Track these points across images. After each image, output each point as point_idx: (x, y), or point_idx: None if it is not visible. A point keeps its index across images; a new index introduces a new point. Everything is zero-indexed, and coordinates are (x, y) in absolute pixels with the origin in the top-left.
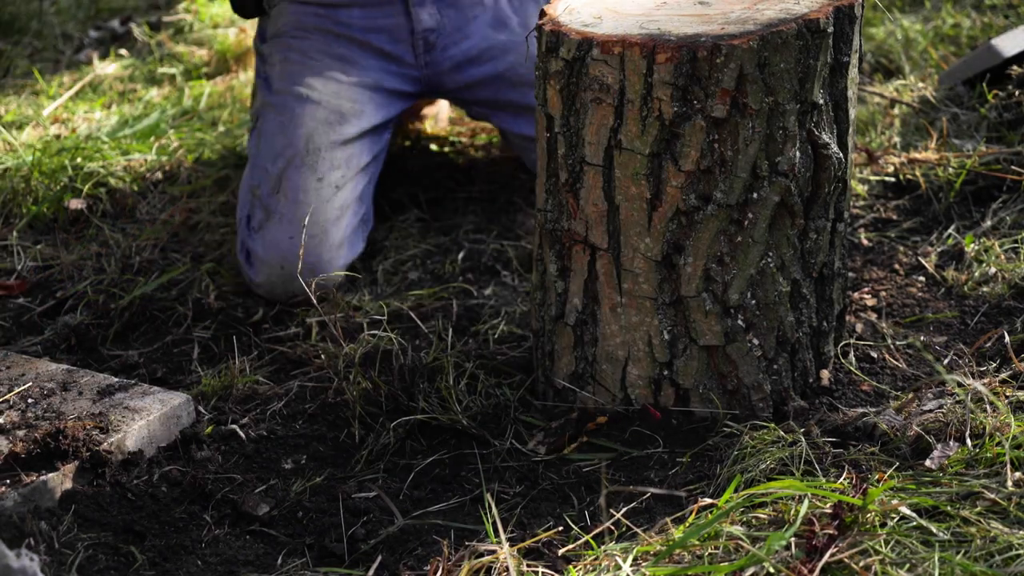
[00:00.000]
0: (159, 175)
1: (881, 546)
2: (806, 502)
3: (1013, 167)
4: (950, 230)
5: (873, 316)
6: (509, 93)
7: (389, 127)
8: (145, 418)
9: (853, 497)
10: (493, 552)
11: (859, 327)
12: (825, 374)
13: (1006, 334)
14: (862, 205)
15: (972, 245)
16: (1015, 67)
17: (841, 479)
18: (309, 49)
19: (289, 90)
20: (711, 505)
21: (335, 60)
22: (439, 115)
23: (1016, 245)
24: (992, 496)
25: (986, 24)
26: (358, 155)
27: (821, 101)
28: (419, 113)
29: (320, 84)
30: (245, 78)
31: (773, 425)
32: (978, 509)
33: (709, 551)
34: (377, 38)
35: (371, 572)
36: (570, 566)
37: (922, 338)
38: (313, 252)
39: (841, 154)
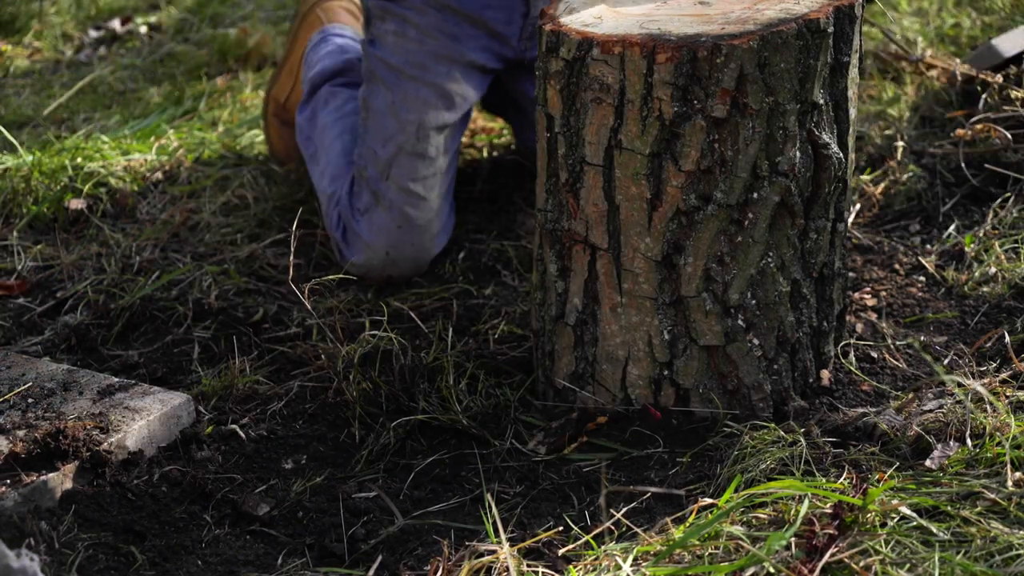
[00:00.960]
0: (159, 175)
1: (881, 546)
2: (806, 502)
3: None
4: (950, 230)
5: (873, 316)
6: None
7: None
8: (145, 418)
9: (853, 497)
10: (493, 552)
11: (859, 327)
12: (825, 374)
13: (1006, 334)
14: (863, 204)
15: (972, 245)
16: (1014, 67)
17: (841, 479)
18: (427, 27)
19: (403, 69)
20: (711, 505)
21: (449, 39)
22: None
23: (1016, 245)
24: (992, 496)
25: (986, 24)
26: (454, 139)
27: (821, 101)
28: None
29: (433, 64)
30: (245, 78)
31: (773, 425)
32: (978, 509)
33: (709, 551)
34: (492, 16)
35: (371, 572)
36: (570, 566)
37: (922, 338)
38: (417, 242)
39: (841, 154)
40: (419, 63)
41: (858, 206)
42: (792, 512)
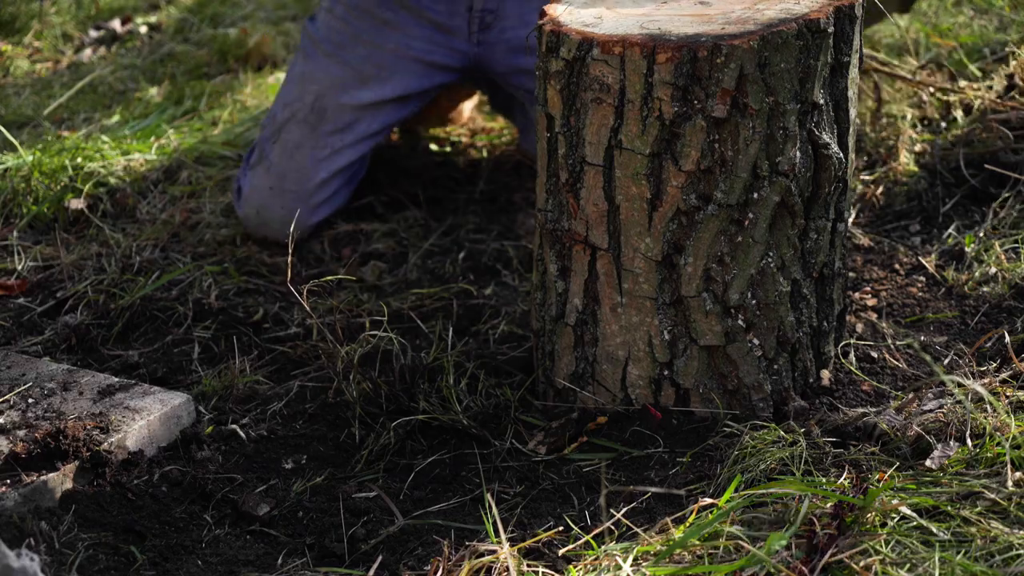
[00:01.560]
0: (159, 175)
1: (881, 546)
2: (806, 502)
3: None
4: (950, 230)
5: (873, 316)
6: None
7: (419, 99)
8: (145, 418)
9: (853, 497)
10: (493, 552)
11: (859, 327)
12: (826, 374)
13: (1006, 334)
14: (863, 204)
15: (972, 245)
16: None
17: (841, 479)
18: (356, 8)
19: (320, 44)
20: (711, 505)
21: (379, 24)
22: (462, 112)
23: (1016, 245)
24: (992, 496)
25: (983, 26)
26: (368, 121)
27: (821, 101)
28: (449, 115)
29: (351, 44)
30: (245, 78)
31: (773, 425)
32: (978, 509)
33: (709, 551)
34: (433, 8)
35: (371, 572)
36: (570, 566)
37: (922, 338)
38: (288, 207)
39: (841, 154)
40: (337, 42)
41: (858, 206)
42: (792, 512)
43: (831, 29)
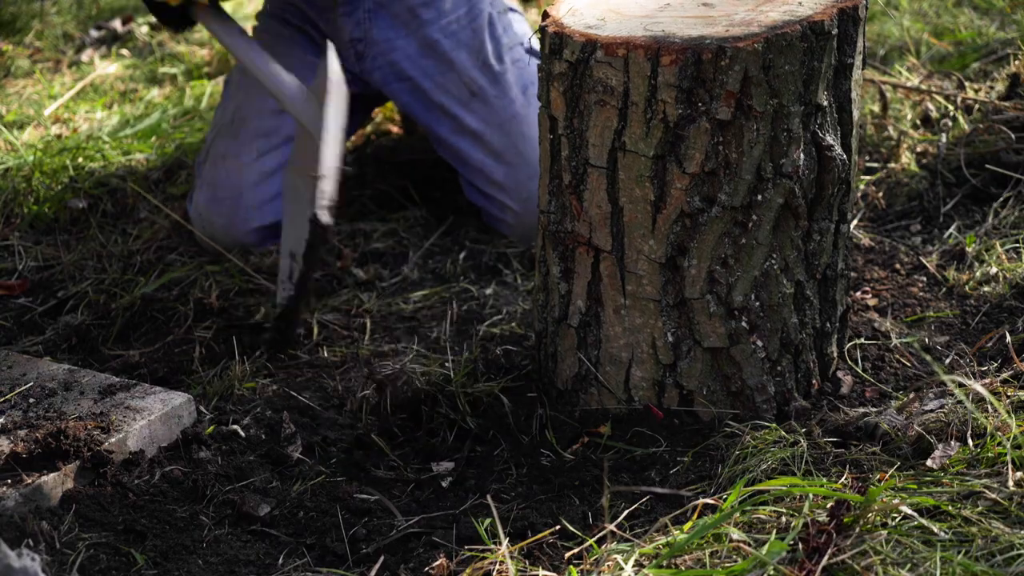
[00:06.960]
0: (159, 175)
1: (882, 546)
2: (807, 502)
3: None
4: (951, 230)
5: (875, 316)
6: (426, 113)
7: None
8: (146, 418)
9: (854, 496)
10: (495, 553)
11: (860, 327)
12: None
13: (1007, 334)
14: (864, 204)
15: (973, 245)
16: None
17: (842, 479)
18: (266, 30)
19: (238, 68)
20: (713, 505)
21: (287, 39)
22: None
23: (1017, 245)
24: (993, 496)
25: (982, 28)
26: (291, 123)
27: (825, 103)
28: None
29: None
30: None
31: (775, 425)
32: (979, 509)
33: (711, 552)
34: (319, 37)
35: (372, 573)
36: (571, 566)
37: (923, 338)
38: (225, 213)
39: (845, 156)
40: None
41: (860, 206)
42: (793, 512)
43: (835, 31)
